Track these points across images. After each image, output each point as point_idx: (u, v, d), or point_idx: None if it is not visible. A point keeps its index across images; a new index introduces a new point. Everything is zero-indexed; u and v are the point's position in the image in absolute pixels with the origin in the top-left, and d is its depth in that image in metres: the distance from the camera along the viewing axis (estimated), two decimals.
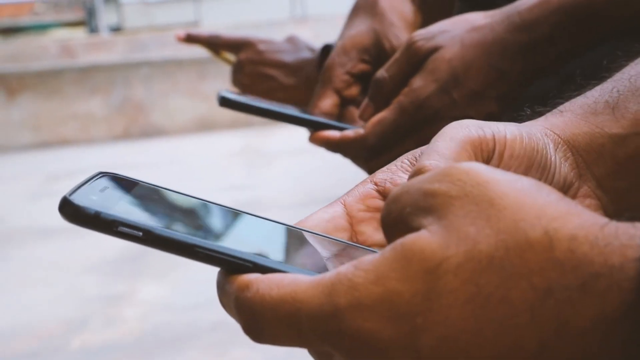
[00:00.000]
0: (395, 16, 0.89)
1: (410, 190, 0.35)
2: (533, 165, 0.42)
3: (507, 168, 0.41)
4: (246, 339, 0.36)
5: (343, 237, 0.42)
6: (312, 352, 0.37)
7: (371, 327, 0.33)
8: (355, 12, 0.92)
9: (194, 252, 0.36)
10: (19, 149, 7.68)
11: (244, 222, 0.41)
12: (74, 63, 8.21)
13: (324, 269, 0.38)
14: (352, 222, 0.43)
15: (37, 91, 7.80)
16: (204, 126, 7.79)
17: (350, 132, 0.81)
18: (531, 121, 0.46)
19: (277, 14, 10.70)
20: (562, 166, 0.43)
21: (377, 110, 0.80)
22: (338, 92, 0.88)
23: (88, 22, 12.58)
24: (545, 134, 0.44)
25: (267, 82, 1.08)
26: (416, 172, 0.39)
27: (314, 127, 0.85)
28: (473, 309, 0.32)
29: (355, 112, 0.87)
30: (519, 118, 0.46)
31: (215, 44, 1.14)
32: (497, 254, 0.32)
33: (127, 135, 7.82)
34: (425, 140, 0.43)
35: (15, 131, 7.79)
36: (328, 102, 0.87)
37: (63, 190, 0.37)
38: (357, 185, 0.44)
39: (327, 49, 1.05)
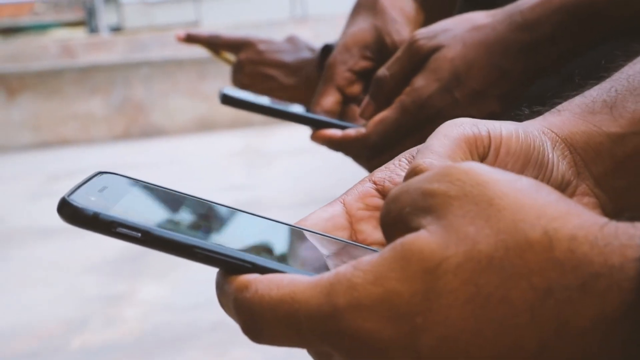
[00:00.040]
0: (396, 12, 0.89)
1: (409, 190, 0.35)
2: (530, 162, 0.42)
3: (504, 165, 0.41)
4: (246, 339, 0.36)
5: (343, 235, 0.42)
6: (311, 352, 0.37)
7: (371, 327, 0.33)
8: (356, 10, 0.92)
9: (192, 253, 0.36)
10: (19, 149, 7.69)
11: (243, 221, 0.41)
12: (74, 63, 8.21)
13: (324, 268, 0.38)
14: (352, 220, 0.43)
15: (37, 91, 7.80)
16: (204, 126, 7.79)
17: (352, 131, 0.81)
18: (529, 120, 0.46)
19: (277, 14, 10.70)
20: (560, 164, 0.43)
21: (378, 108, 0.80)
22: (340, 89, 0.88)
23: (88, 22, 12.58)
24: (543, 132, 0.44)
25: (267, 82, 1.08)
26: (411, 171, 0.39)
27: (316, 125, 0.85)
28: (473, 309, 0.32)
29: (357, 110, 0.87)
30: (517, 117, 0.46)
31: (215, 44, 1.14)
32: (497, 254, 0.32)
33: (127, 135, 7.82)
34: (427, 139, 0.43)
35: (15, 131, 7.79)
36: (330, 99, 0.87)
37: (63, 190, 0.37)
38: (356, 184, 0.44)
39: (327, 49, 1.05)
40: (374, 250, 0.40)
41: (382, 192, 0.43)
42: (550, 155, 0.43)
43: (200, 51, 1.40)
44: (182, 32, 1.17)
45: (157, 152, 7.00)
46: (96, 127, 7.83)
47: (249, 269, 0.36)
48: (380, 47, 0.87)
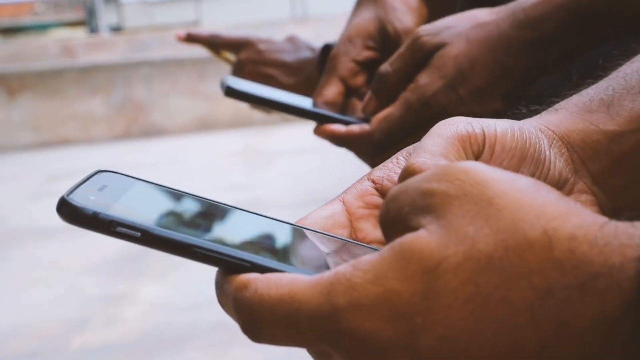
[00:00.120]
0: (397, 3, 0.89)
1: (408, 190, 0.35)
2: (526, 159, 0.42)
3: (499, 161, 0.41)
4: (246, 339, 0.36)
5: (342, 233, 0.42)
6: (311, 351, 0.37)
7: (370, 327, 0.33)
8: (359, 3, 0.92)
9: (192, 253, 0.36)
10: (19, 149, 7.68)
11: (243, 220, 0.41)
12: (74, 63, 8.21)
13: (324, 267, 0.38)
14: (351, 219, 0.43)
15: (37, 91, 7.80)
16: (204, 126, 7.79)
17: (355, 128, 0.81)
18: (526, 119, 0.46)
19: (277, 14, 10.71)
20: (557, 161, 0.43)
21: (381, 104, 0.80)
22: (343, 80, 0.87)
23: (88, 22, 12.59)
24: (540, 130, 0.44)
25: (267, 81, 1.07)
26: (404, 170, 0.39)
27: (320, 120, 0.84)
28: (472, 309, 0.32)
29: (358, 105, 0.87)
30: (514, 116, 0.46)
31: (216, 44, 1.14)
32: (497, 254, 0.32)
33: (128, 135, 7.82)
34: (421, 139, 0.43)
35: (15, 131, 7.79)
36: (332, 90, 0.86)
37: (63, 190, 0.36)
38: (355, 183, 0.44)
39: (327, 49, 1.05)
40: (374, 249, 0.40)
41: (381, 191, 0.43)
42: (547, 153, 0.43)
43: (200, 51, 1.40)
44: (182, 32, 1.17)
45: (157, 152, 7.00)
46: (96, 127, 7.83)
47: (248, 268, 0.36)
48: (383, 37, 0.87)
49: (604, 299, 0.31)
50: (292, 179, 5.45)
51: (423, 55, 0.76)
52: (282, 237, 0.40)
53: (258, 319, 0.35)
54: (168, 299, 3.48)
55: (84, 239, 4.23)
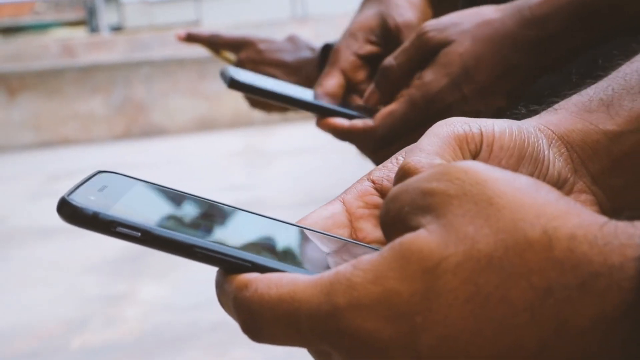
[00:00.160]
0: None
1: (408, 189, 0.35)
2: (524, 158, 0.42)
3: (498, 160, 0.41)
4: (246, 339, 0.36)
5: (343, 233, 0.42)
6: (311, 351, 0.37)
7: (370, 327, 0.33)
8: (364, 2, 0.93)
9: (192, 253, 0.36)
10: (20, 149, 7.69)
11: (243, 220, 0.41)
12: (74, 63, 8.21)
13: (324, 267, 0.38)
14: (351, 219, 0.43)
15: (37, 91, 7.80)
16: (204, 126, 7.79)
17: (359, 123, 0.81)
18: (525, 119, 0.46)
19: (277, 14, 10.71)
20: (557, 161, 0.43)
21: (383, 97, 0.80)
22: (345, 73, 0.87)
23: (89, 21, 12.59)
24: (539, 129, 0.44)
25: None
26: (400, 170, 0.39)
27: (323, 113, 0.84)
28: (472, 309, 0.32)
29: (359, 101, 0.87)
30: (514, 116, 0.46)
31: (216, 44, 1.14)
32: (496, 254, 0.32)
33: (128, 135, 7.82)
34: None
35: (15, 131, 7.79)
36: (333, 81, 0.86)
37: (63, 190, 0.37)
38: (355, 183, 0.44)
39: (327, 49, 1.05)
40: (374, 249, 0.40)
41: (381, 191, 0.43)
42: (546, 152, 0.43)
43: (200, 51, 1.40)
44: (182, 32, 1.17)
45: (157, 152, 7.00)
46: (96, 126, 7.84)
47: (248, 268, 0.36)
48: (384, 32, 0.87)
49: (603, 298, 0.31)
50: (292, 179, 5.45)
51: (428, 50, 0.76)
52: (283, 237, 0.40)
53: (258, 319, 0.35)
54: (168, 299, 3.49)
55: (84, 239, 4.23)
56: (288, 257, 0.39)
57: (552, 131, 0.44)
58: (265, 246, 0.39)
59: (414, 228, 0.34)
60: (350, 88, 0.88)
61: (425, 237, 0.33)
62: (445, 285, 0.32)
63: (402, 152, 0.44)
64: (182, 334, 3.09)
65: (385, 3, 0.89)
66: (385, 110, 0.78)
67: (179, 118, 7.84)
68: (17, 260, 4.29)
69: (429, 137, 0.41)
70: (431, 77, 0.75)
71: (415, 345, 0.32)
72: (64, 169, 6.50)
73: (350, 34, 0.88)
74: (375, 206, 0.43)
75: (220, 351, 2.90)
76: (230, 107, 7.60)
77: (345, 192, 0.44)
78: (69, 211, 0.35)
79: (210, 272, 0.37)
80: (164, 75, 7.85)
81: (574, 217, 0.32)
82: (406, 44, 0.78)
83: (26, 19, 13.28)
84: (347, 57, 0.87)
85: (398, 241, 0.33)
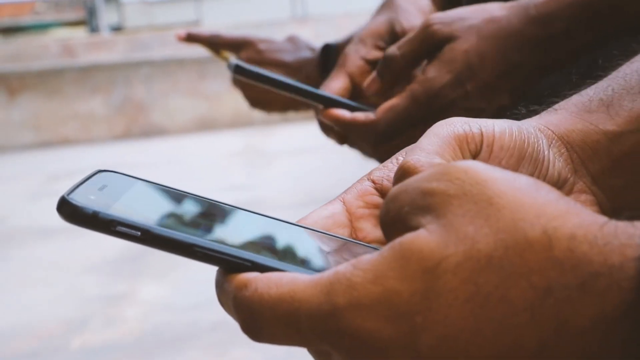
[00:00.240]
0: (408, 5, 0.89)
1: (408, 189, 0.35)
2: (524, 158, 0.42)
3: (498, 160, 0.41)
4: (246, 339, 0.36)
5: (343, 233, 0.42)
6: (311, 351, 0.37)
7: (370, 327, 0.33)
8: (377, 10, 0.93)
9: (192, 252, 0.36)
10: (20, 149, 7.69)
11: (243, 219, 0.41)
12: (74, 63, 8.21)
13: (324, 266, 0.38)
14: (352, 218, 0.43)
15: (37, 91, 7.80)
16: (204, 126, 7.79)
17: (361, 115, 0.81)
18: (525, 119, 0.46)
19: (277, 14, 10.72)
20: (557, 161, 0.43)
21: (384, 86, 0.80)
22: (351, 77, 0.87)
23: (89, 21, 12.60)
24: (539, 129, 0.44)
25: None
26: (399, 169, 0.39)
27: (327, 103, 0.84)
28: (472, 308, 0.32)
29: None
30: (514, 117, 0.46)
31: (216, 44, 1.14)
32: (496, 254, 0.32)
33: (128, 135, 7.83)
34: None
35: (15, 131, 7.79)
36: (338, 83, 0.86)
37: (63, 190, 0.37)
38: (355, 183, 0.44)
39: (327, 49, 1.05)
40: (375, 248, 0.40)
41: (381, 191, 0.43)
42: (546, 152, 0.43)
43: (200, 51, 1.40)
44: (182, 32, 1.17)
45: (157, 152, 7.00)
46: (96, 126, 7.84)
47: (248, 268, 0.36)
48: (392, 37, 0.88)
49: (603, 298, 0.31)
50: (292, 179, 5.45)
51: (433, 43, 0.76)
52: (283, 236, 0.40)
53: (258, 318, 0.35)
54: (168, 299, 3.49)
55: (84, 239, 4.23)
56: (288, 256, 0.39)
57: (552, 131, 0.44)
58: (265, 245, 0.39)
59: (413, 228, 0.34)
60: (355, 93, 0.88)
61: (425, 237, 0.33)
62: (445, 285, 0.32)
63: (403, 152, 0.44)
64: (182, 334, 3.09)
65: (395, 9, 0.89)
66: (387, 105, 0.78)
67: (179, 118, 7.85)
68: (17, 260, 4.29)
69: (429, 136, 0.41)
70: (435, 73, 0.75)
71: (415, 345, 0.32)
72: (64, 169, 6.50)
73: (359, 39, 0.88)
74: (375, 206, 0.43)
75: (220, 351, 2.90)
76: (230, 107, 7.60)
77: (345, 192, 0.44)
78: (69, 210, 0.35)
79: (210, 272, 0.37)
80: (164, 75, 7.85)
81: (574, 217, 0.32)
82: (411, 34, 0.78)
83: (26, 19, 13.28)
84: (354, 61, 0.87)
85: (398, 241, 0.33)
